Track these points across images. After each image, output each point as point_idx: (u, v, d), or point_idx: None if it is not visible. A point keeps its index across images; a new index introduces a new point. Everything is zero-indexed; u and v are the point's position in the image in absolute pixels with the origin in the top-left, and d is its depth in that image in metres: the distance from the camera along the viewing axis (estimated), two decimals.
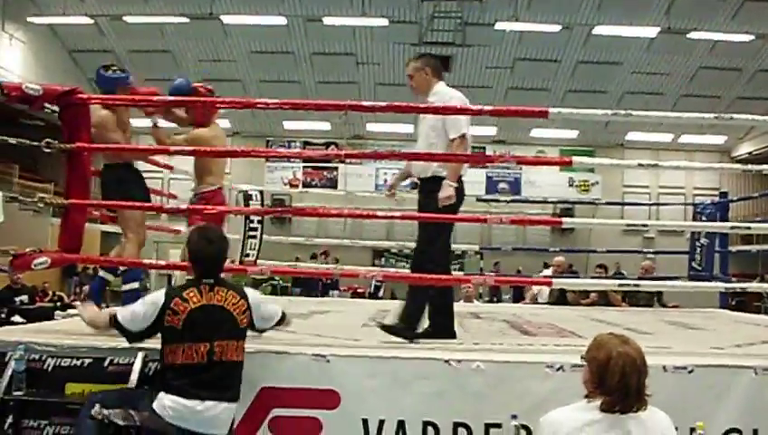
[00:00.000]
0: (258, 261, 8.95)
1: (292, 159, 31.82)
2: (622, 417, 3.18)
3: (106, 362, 4.64)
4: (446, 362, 4.64)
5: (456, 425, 4.55)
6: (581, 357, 3.42)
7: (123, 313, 4.36)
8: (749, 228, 8.04)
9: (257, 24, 25.10)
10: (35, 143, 5.51)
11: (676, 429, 3.38)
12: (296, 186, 31.22)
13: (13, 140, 5.71)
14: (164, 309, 4.18)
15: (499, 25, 24.39)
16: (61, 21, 25.19)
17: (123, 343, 4.57)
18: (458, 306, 10.22)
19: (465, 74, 27.25)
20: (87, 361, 4.65)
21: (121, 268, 6.46)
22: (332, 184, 31.59)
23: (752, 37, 24.30)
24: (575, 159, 6.67)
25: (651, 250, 20.32)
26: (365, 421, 4.57)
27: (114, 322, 4.36)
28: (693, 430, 4.20)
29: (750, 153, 30.46)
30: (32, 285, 16.12)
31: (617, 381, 3.18)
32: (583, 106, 7.17)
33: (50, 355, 4.68)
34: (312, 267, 13.16)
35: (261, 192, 9.29)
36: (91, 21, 25.17)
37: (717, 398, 4.53)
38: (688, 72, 26.95)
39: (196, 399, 4.07)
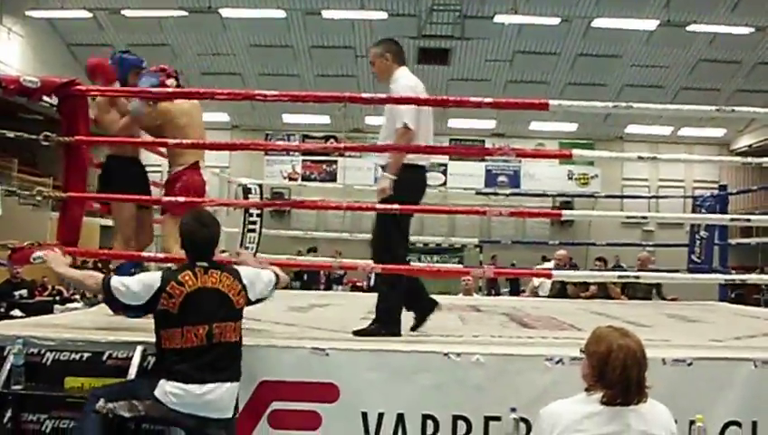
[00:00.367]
0: (257, 254, 8.94)
1: (291, 153, 31.81)
2: (622, 410, 3.17)
3: (105, 356, 4.62)
4: (446, 355, 4.63)
5: (456, 418, 4.55)
6: (581, 350, 3.42)
7: (116, 282, 4.32)
8: (749, 221, 8.00)
9: (256, 18, 25.04)
10: (34, 136, 5.50)
11: (676, 421, 3.37)
12: (295, 179, 31.19)
13: (11, 134, 5.71)
14: (159, 292, 4.19)
15: (498, 18, 24.38)
16: (59, 14, 25.12)
17: (122, 336, 4.58)
18: (457, 299, 10.30)
19: (464, 67, 27.25)
20: (86, 355, 4.64)
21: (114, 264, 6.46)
22: (331, 177, 31.59)
23: (751, 30, 24.23)
24: (575, 151, 6.64)
25: (651, 243, 20.32)
26: (364, 415, 4.57)
27: (105, 284, 4.34)
28: (692, 422, 4.19)
29: (749, 146, 30.48)
30: (31, 279, 16.11)
31: (618, 374, 3.17)
32: (583, 99, 7.15)
33: (49, 349, 4.67)
34: (312, 261, 13.14)
35: (260, 186, 9.26)
36: (90, 14, 25.11)
37: (717, 390, 4.53)
38: (688, 65, 26.91)
39: (197, 382, 4.07)
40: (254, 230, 8.88)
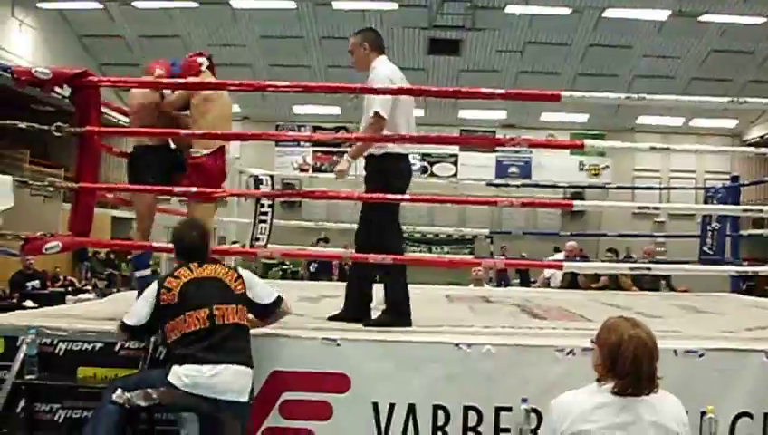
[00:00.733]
0: (268, 245, 8.95)
1: (302, 144, 31.82)
2: (633, 400, 3.18)
3: (117, 347, 4.66)
4: (457, 345, 4.65)
5: (467, 408, 4.57)
6: (591, 341, 3.42)
7: (126, 316, 4.46)
8: (761, 212, 7.98)
9: (266, 9, 25.08)
10: (46, 127, 5.52)
11: (687, 412, 3.37)
12: (306, 170, 31.20)
13: (23, 125, 5.72)
14: (159, 290, 4.33)
15: (509, 9, 24.31)
16: (70, 6, 25.23)
17: None
18: (468, 290, 10.29)
19: (475, 58, 27.18)
20: (98, 345, 4.69)
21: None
22: None
23: (763, 20, 24.05)
24: (587, 141, 6.64)
25: (662, 234, 20.27)
26: (375, 405, 4.59)
27: (123, 327, 4.46)
28: (703, 413, 4.19)
29: (761, 137, 30.30)
30: (43, 270, 16.19)
31: (629, 364, 3.18)
32: (594, 90, 7.14)
33: (61, 340, 4.72)
34: (323, 251, 13.15)
35: (271, 176, 9.27)
36: (101, 6, 25.15)
37: (728, 382, 4.53)
38: (699, 56, 26.76)
39: (208, 363, 4.13)
40: (265, 221, 8.90)
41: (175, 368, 4.14)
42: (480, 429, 4.56)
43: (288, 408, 4.60)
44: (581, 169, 31.82)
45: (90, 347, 4.69)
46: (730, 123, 31.31)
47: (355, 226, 5.90)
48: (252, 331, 4.51)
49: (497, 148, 31.94)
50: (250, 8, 25.12)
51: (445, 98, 26.07)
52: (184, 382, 4.10)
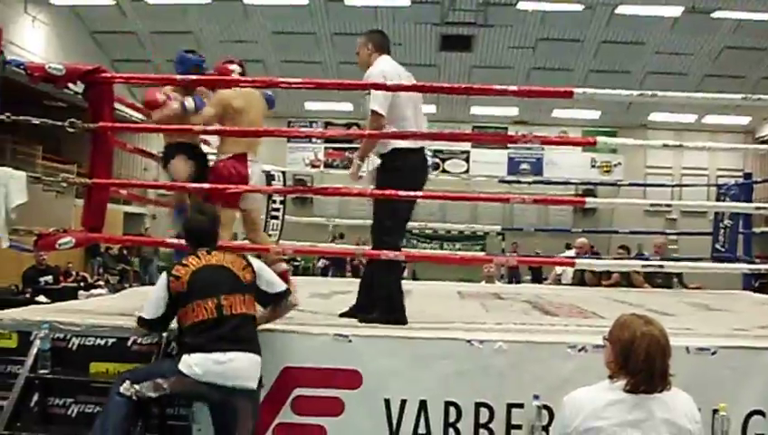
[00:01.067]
0: (280, 241, 8.97)
1: (313, 140, 31.91)
2: (646, 397, 3.17)
3: (130, 342, 4.68)
4: (469, 342, 4.64)
5: (478, 405, 4.56)
6: (604, 338, 3.42)
7: (143, 311, 4.48)
8: None
9: (278, 5, 25.09)
10: (60, 123, 5.54)
11: (699, 410, 3.36)
12: (318, 166, 31.24)
13: (36, 121, 5.74)
14: (168, 280, 4.35)
15: (521, 5, 24.28)
16: (83, 2, 25.29)
17: None
18: (480, 287, 10.29)
19: (487, 55, 27.14)
20: (111, 340, 4.71)
21: None
22: None
23: None
24: (600, 138, 6.64)
25: (674, 231, 20.20)
26: (387, 401, 4.59)
27: (141, 322, 4.49)
28: (716, 411, 4.18)
29: None
30: (56, 265, 16.27)
31: (641, 361, 3.17)
32: (606, 86, 7.09)
33: (74, 335, 4.74)
34: (335, 248, 13.17)
35: (283, 173, 9.28)
36: (113, 2, 25.25)
37: (740, 379, 4.52)
38: (712, 52, 26.64)
39: (219, 351, 4.15)
40: (276, 217, 8.93)
41: (185, 357, 4.16)
42: (492, 425, 4.56)
43: (300, 404, 4.61)
44: (593, 166, 31.77)
45: (102, 342, 4.72)
46: (743, 120, 31.17)
47: (368, 222, 5.89)
48: (262, 326, 4.54)
49: (509, 144, 31.89)
50: (262, 4, 25.13)
51: (456, 94, 26.08)
52: (194, 371, 4.11)
